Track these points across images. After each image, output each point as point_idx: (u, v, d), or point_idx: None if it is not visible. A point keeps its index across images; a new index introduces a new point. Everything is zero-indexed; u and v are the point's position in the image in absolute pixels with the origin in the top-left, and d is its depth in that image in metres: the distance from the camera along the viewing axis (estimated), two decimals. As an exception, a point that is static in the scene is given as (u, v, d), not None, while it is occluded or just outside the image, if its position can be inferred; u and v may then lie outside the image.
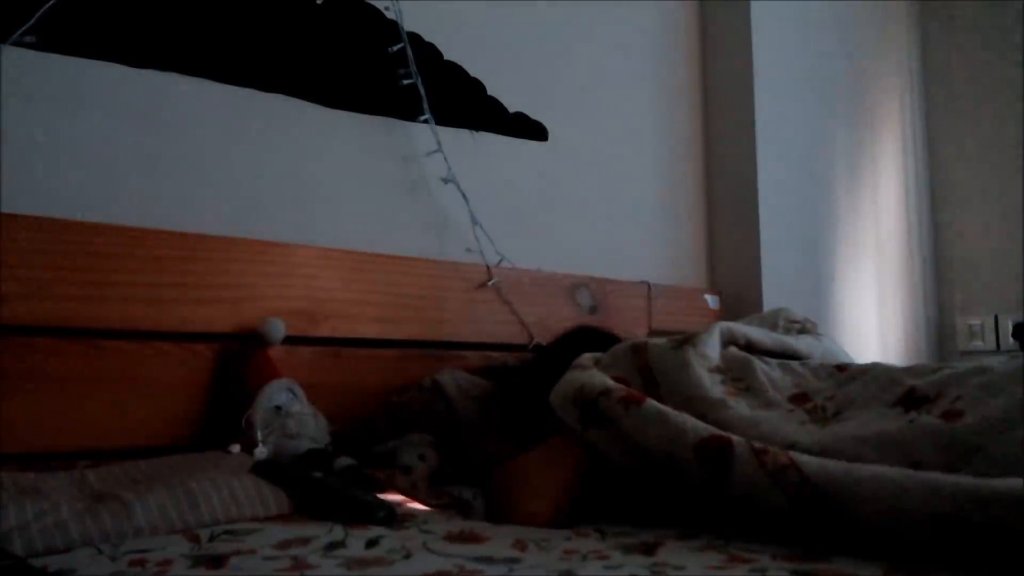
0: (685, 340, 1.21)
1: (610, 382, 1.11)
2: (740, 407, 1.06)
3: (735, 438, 0.93)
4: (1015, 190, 2.91)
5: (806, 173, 2.65)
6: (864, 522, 0.81)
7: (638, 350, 1.21)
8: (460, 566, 0.81)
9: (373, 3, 1.79)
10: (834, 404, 1.05)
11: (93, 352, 1.34)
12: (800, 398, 1.08)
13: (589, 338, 1.43)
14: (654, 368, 1.17)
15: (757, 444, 0.91)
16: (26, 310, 1.27)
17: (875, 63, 3.02)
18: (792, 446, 0.95)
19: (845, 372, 1.12)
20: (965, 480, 0.77)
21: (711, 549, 0.86)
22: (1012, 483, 0.75)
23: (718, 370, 1.16)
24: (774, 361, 1.20)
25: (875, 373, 1.07)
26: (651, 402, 1.04)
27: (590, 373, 1.15)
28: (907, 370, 1.06)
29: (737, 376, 1.15)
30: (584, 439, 1.10)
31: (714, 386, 1.11)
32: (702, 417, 1.03)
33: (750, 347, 1.26)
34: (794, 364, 1.19)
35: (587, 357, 1.23)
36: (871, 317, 2.82)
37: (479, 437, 1.41)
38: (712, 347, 1.20)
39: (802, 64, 2.66)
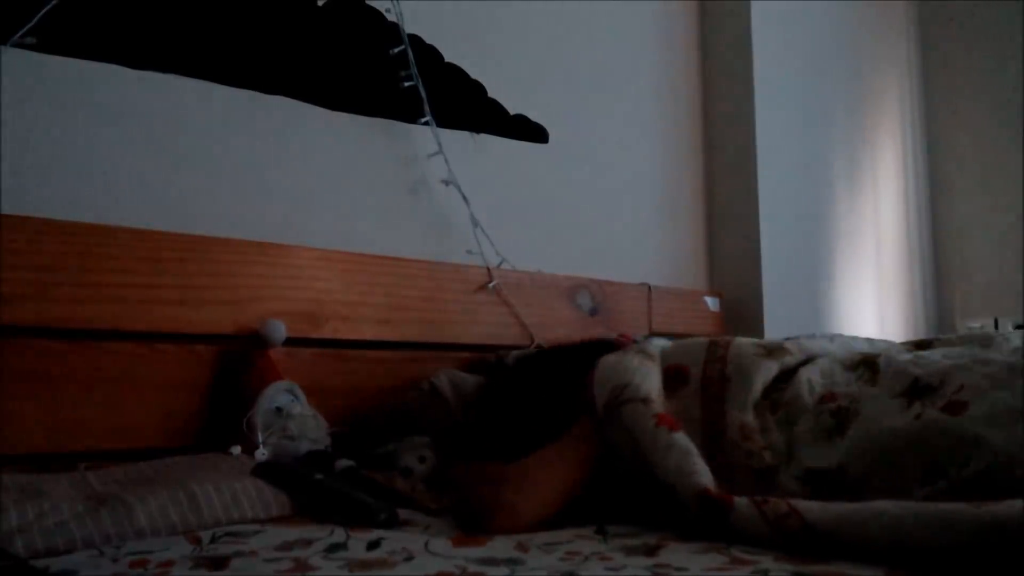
0: (774, 351, 1.18)
1: (654, 393, 1.10)
2: (771, 436, 1.07)
3: (737, 499, 0.93)
4: (1015, 192, 2.91)
5: (806, 174, 2.65)
6: (872, 550, 0.81)
7: (717, 344, 1.20)
8: (462, 568, 0.81)
9: (374, 5, 1.79)
10: (849, 399, 1.05)
11: (93, 353, 1.34)
12: (827, 397, 1.08)
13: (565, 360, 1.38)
14: (730, 364, 1.15)
15: (758, 497, 0.92)
16: (26, 311, 1.27)
17: (875, 63, 3.02)
18: (809, 470, 0.98)
19: (872, 372, 1.11)
20: (968, 511, 0.77)
21: (713, 551, 0.86)
22: (1011, 505, 0.75)
23: (760, 400, 1.13)
24: (820, 364, 1.17)
25: (890, 368, 1.07)
26: (683, 436, 1.03)
27: (644, 372, 1.13)
28: (914, 361, 1.06)
29: (774, 403, 1.14)
30: (600, 425, 1.10)
31: (755, 417, 1.10)
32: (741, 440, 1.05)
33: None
34: (835, 368, 1.16)
35: (656, 346, 1.23)
36: (871, 318, 2.82)
37: (475, 437, 1.41)
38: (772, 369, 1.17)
39: (802, 64, 2.66)
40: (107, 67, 1.46)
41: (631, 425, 1.06)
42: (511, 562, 0.84)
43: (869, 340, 1.34)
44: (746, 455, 1.05)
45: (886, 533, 0.80)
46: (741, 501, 0.92)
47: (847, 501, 0.87)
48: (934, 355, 1.07)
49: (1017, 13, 2.95)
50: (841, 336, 1.34)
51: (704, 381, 1.14)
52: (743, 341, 1.21)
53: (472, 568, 0.81)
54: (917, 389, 0.99)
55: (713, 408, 1.11)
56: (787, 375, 1.14)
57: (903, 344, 1.20)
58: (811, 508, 0.86)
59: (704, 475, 0.98)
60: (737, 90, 2.49)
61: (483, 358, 1.74)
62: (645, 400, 1.08)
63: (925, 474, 0.89)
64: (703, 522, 0.93)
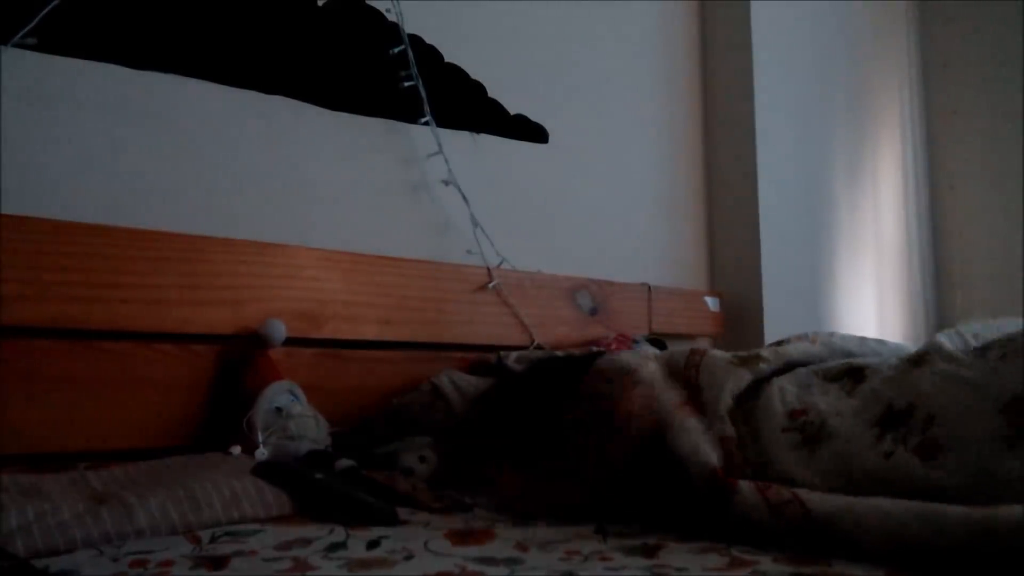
0: (748, 360, 1.17)
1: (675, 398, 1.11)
2: (747, 449, 1.06)
3: (741, 482, 0.94)
4: (1015, 191, 2.91)
5: (806, 174, 2.65)
6: (866, 552, 0.81)
7: (695, 352, 1.20)
8: (461, 567, 0.81)
9: (374, 5, 1.79)
10: (820, 417, 1.03)
11: (93, 353, 1.34)
12: (798, 412, 1.06)
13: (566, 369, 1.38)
14: (703, 373, 1.15)
15: (761, 483, 0.92)
16: (27, 311, 1.27)
17: (875, 63, 3.02)
18: (791, 483, 0.96)
19: (855, 382, 1.09)
20: (967, 513, 0.77)
21: (712, 551, 0.86)
22: (1012, 510, 0.75)
23: (734, 409, 1.13)
24: (798, 376, 1.16)
25: (872, 382, 1.06)
26: (697, 422, 1.05)
27: (661, 387, 1.14)
28: (890, 381, 1.03)
29: (747, 413, 1.14)
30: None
31: (733, 427, 1.10)
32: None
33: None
34: (813, 381, 1.14)
35: (653, 366, 1.23)
36: (871, 319, 2.82)
37: (477, 437, 1.41)
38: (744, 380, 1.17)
39: (802, 64, 2.66)
40: (107, 67, 1.46)
41: (658, 407, 1.07)
42: (510, 561, 0.84)
43: (862, 339, 1.33)
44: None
45: (884, 527, 0.80)
46: (745, 484, 0.92)
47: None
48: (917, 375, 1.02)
49: (1017, 13, 2.95)
50: (833, 336, 1.32)
51: (682, 387, 1.14)
52: (718, 352, 1.21)
53: (471, 567, 0.81)
54: (891, 416, 0.97)
55: None
56: (760, 384, 1.13)
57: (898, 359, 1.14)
58: (813, 497, 0.87)
59: (716, 458, 0.99)
60: (737, 90, 2.49)
61: (484, 358, 1.74)
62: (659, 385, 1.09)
63: None
64: (706, 503, 0.94)
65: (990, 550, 0.74)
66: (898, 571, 0.77)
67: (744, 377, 1.13)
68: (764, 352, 1.19)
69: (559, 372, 1.36)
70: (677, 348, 1.27)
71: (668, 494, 1.00)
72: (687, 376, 1.15)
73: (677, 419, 1.04)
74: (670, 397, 1.08)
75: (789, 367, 1.17)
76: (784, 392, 1.10)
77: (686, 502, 0.97)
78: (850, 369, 1.11)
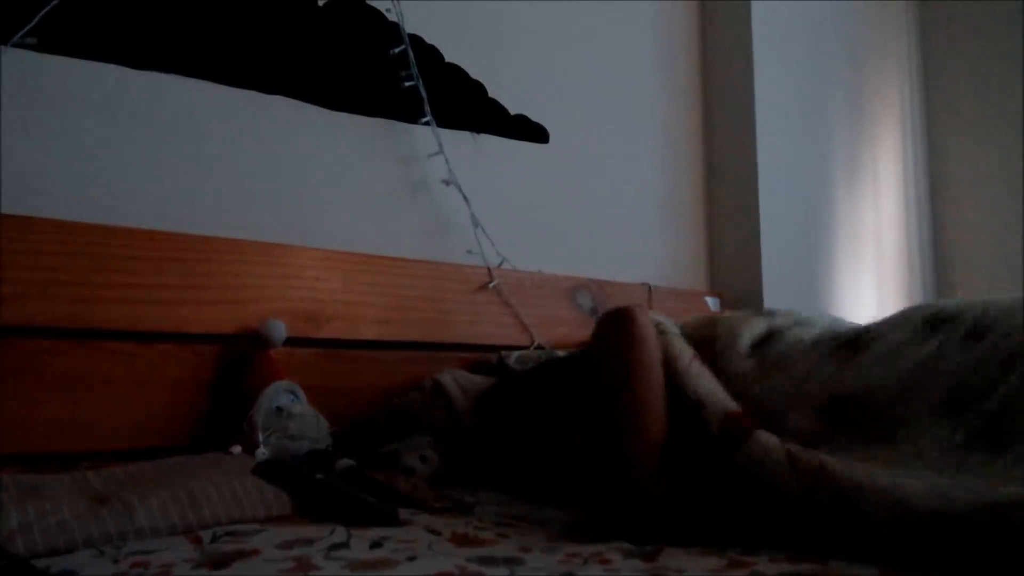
0: (765, 313, 1.22)
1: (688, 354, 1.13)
2: (777, 380, 1.08)
3: (760, 429, 0.95)
4: (1015, 190, 2.91)
5: (806, 173, 2.65)
6: (867, 515, 0.82)
7: (714, 315, 1.26)
8: (462, 568, 0.81)
9: (374, 5, 1.79)
10: (862, 331, 1.08)
11: (93, 353, 1.34)
12: (831, 337, 1.10)
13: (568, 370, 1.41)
14: (720, 325, 1.19)
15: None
16: (26, 311, 1.27)
17: (875, 63, 3.02)
18: (832, 396, 0.99)
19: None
20: (970, 482, 0.78)
21: (711, 553, 0.86)
22: (1017, 488, 0.75)
23: (750, 353, 1.15)
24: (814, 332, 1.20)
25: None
26: (706, 368, 1.07)
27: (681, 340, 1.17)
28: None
29: (766, 353, 1.15)
30: None
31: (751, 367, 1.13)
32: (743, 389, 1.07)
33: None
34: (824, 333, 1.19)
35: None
36: (871, 319, 2.81)
37: (481, 436, 1.41)
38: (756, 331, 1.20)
39: (802, 64, 2.66)
40: (107, 67, 1.46)
41: (667, 349, 1.08)
42: (511, 562, 0.84)
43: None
44: (751, 400, 1.05)
45: (891, 490, 0.81)
46: (764, 431, 0.93)
47: (870, 432, 0.91)
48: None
49: (1017, 13, 2.95)
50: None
51: (697, 341, 1.17)
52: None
53: (472, 568, 0.81)
54: (938, 318, 1.00)
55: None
56: (776, 333, 1.16)
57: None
58: (829, 457, 0.88)
59: (732, 403, 1.00)
60: (737, 90, 2.49)
61: (485, 358, 1.74)
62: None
63: (950, 402, 0.89)
64: (719, 448, 0.94)
65: (987, 520, 0.74)
66: (893, 571, 0.77)
67: (760, 325, 1.15)
68: (780, 311, 1.23)
69: (562, 372, 1.36)
70: (696, 316, 1.30)
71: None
72: (703, 332, 1.18)
73: (694, 368, 1.06)
74: (685, 350, 1.10)
75: (801, 324, 1.20)
76: (803, 336, 1.12)
77: (696, 456, 0.97)
78: (857, 335, 1.13)
